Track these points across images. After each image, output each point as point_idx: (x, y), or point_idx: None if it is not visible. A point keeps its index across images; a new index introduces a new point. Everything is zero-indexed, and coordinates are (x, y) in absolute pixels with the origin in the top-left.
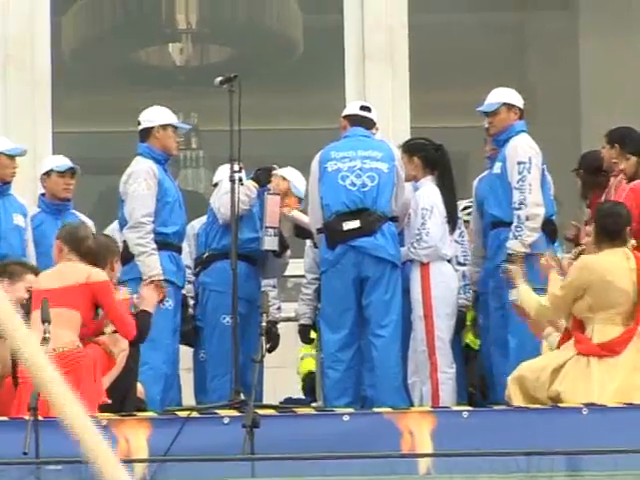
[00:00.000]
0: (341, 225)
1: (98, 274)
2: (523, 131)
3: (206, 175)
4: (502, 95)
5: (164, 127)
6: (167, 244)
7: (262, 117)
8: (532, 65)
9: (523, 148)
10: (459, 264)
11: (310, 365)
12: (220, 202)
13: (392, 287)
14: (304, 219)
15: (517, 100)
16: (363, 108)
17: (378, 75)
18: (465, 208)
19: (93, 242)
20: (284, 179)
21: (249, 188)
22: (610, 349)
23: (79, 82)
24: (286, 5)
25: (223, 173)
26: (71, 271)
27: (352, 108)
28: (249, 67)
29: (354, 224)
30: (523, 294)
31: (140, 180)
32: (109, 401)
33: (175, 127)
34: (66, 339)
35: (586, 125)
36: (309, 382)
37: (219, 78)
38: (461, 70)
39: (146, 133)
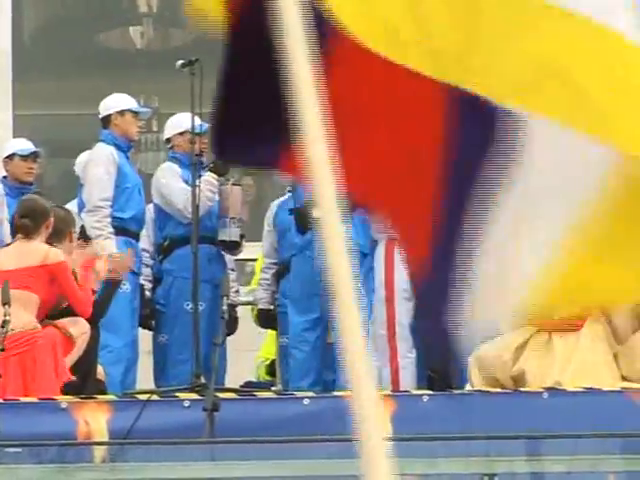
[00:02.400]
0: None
1: (55, 254)
2: None
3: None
4: None
5: (121, 113)
6: (124, 229)
7: None
8: None
9: None
10: None
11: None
12: (182, 202)
13: (361, 275)
14: None
15: None
16: None
17: None
18: None
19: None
20: None
21: (211, 182)
22: (572, 323)
23: (40, 65)
24: None
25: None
26: (28, 251)
27: None
28: (210, 50)
29: None
30: None
31: (99, 165)
32: (73, 378)
33: (134, 112)
34: (24, 320)
35: None
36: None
37: (180, 61)
38: None
39: (106, 120)
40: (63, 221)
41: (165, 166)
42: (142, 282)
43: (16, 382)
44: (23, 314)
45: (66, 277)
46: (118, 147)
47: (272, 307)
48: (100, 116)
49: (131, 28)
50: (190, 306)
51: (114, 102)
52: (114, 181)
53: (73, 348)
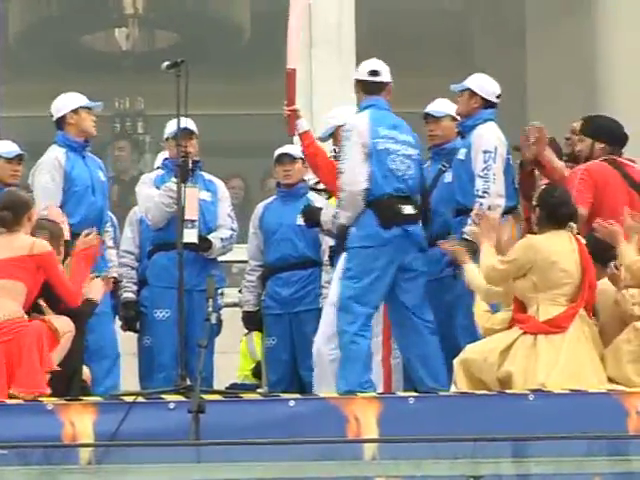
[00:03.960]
0: (399, 208)
1: (42, 245)
2: (491, 119)
3: (152, 160)
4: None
5: (75, 111)
6: (76, 235)
7: (209, 102)
8: (479, 51)
9: (489, 137)
10: None
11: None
12: (145, 209)
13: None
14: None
15: (480, 88)
16: (373, 73)
17: (325, 60)
18: None
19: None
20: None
21: (169, 188)
22: (556, 325)
23: (25, 67)
24: None
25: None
26: (14, 242)
27: (362, 73)
28: (196, 52)
29: (411, 210)
30: (469, 273)
31: (44, 172)
32: (58, 368)
33: (87, 108)
34: (11, 308)
35: (533, 109)
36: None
37: (166, 63)
38: (409, 55)
39: (61, 122)
40: (51, 232)
41: (146, 174)
42: (127, 284)
43: (0, 370)
44: (10, 303)
45: (53, 267)
46: (73, 148)
47: (257, 309)
48: (53, 118)
49: (117, 30)
50: (162, 314)
51: (66, 102)
52: (61, 187)
53: (58, 344)
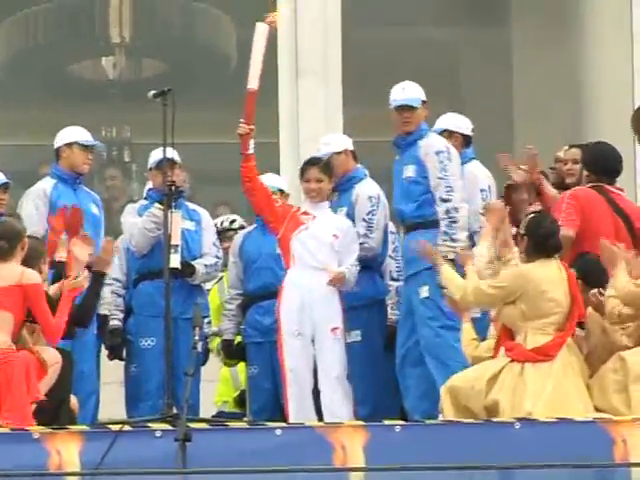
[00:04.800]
0: None
1: (31, 275)
2: (474, 158)
3: (139, 189)
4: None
5: (69, 145)
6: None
7: (196, 130)
8: (466, 81)
9: (481, 176)
10: (392, 279)
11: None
12: (130, 236)
13: None
14: None
15: (457, 126)
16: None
17: (311, 90)
18: None
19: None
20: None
21: (153, 214)
22: (544, 353)
23: (12, 95)
24: (219, 19)
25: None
26: (4, 271)
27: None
28: (183, 80)
29: None
30: (446, 274)
31: (29, 201)
32: (44, 398)
33: (83, 145)
34: (0, 338)
35: (519, 139)
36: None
37: (152, 91)
38: (394, 85)
39: (57, 153)
40: (34, 250)
41: (130, 204)
42: (114, 312)
43: None
44: None
45: (39, 300)
46: (63, 180)
47: (237, 338)
48: (54, 148)
49: (104, 58)
50: (147, 342)
51: (64, 134)
52: (45, 216)
53: (45, 375)
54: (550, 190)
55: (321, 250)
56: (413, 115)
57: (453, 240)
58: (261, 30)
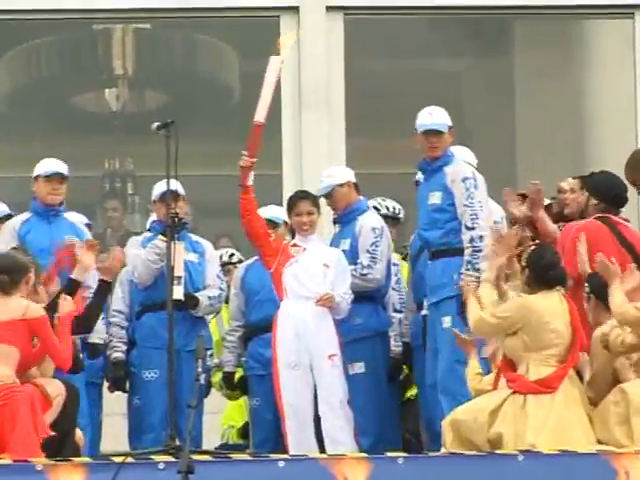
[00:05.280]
0: None
1: (35, 309)
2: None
3: (141, 221)
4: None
5: (36, 179)
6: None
7: (199, 162)
8: (469, 111)
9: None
10: (395, 311)
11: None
12: (133, 268)
13: None
14: None
15: (465, 159)
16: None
17: (315, 122)
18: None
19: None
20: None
21: (156, 245)
22: (546, 385)
23: (15, 128)
24: (222, 51)
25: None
26: (8, 306)
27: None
28: (185, 113)
29: None
30: (470, 306)
31: (1, 236)
32: (53, 433)
33: (46, 176)
34: (3, 373)
35: (522, 169)
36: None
37: (155, 124)
38: (398, 115)
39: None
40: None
41: (134, 236)
42: (117, 344)
43: None
44: (2, 368)
45: (45, 331)
46: (37, 213)
47: (238, 371)
48: None
49: (106, 90)
50: (151, 374)
51: (35, 169)
52: None
53: (50, 407)
54: (549, 225)
55: (313, 280)
56: (440, 140)
57: (476, 270)
58: (274, 63)
